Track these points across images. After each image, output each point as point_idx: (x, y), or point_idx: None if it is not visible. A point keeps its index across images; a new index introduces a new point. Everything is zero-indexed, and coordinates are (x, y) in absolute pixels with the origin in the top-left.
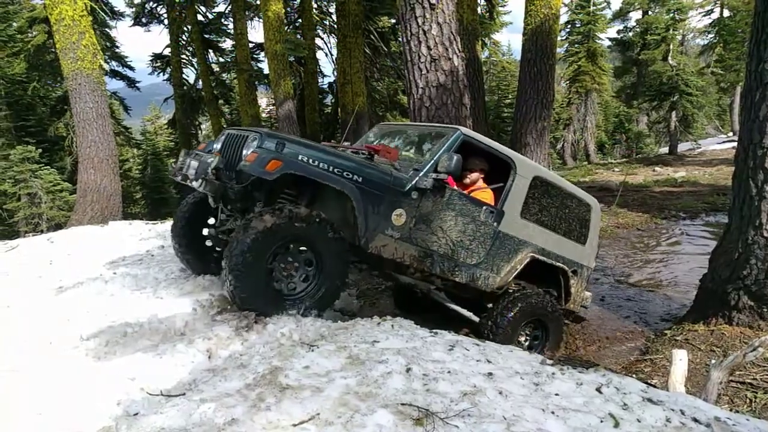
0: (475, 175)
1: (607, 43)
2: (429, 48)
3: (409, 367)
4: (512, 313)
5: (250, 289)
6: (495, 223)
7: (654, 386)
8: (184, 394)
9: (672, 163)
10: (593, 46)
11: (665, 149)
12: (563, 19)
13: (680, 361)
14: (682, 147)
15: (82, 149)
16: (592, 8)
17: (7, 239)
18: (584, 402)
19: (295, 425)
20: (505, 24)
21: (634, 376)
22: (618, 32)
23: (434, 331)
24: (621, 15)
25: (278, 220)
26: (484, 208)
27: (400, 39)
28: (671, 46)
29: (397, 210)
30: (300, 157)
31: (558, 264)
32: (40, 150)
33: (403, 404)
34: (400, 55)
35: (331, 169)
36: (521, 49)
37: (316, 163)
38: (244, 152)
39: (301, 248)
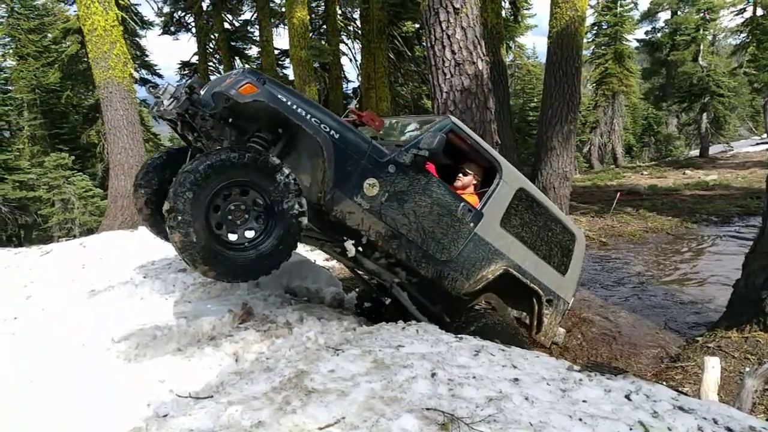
0: (467, 179)
1: (635, 44)
2: (453, 52)
3: (434, 372)
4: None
5: (190, 232)
6: (472, 224)
7: (685, 394)
8: (211, 396)
9: (703, 165)
10: (620, 47)
11: (696, 152)
12: (589, 20)
13: (713, 368)
14: (714, 149)
15: (113, 156)
16: (619, 10)
17: (41, 244)
18: (613, 409)
19: (320, 429)
20: (530, 27)
21: (664, 383)
22: (646, 33)
23: (459, 336)
24: (649, 16)
25: (230, 158)
26: (462, 204)
27: (424, 43)
28: (701, 47)
29: (370, 179)
30: (279, 96)
31: (533, 286)
32: (73, 157)
33: (428, 409)
34: (424, 59)
35: (308, 116)
36: (546, 52)
37: (295, 107)
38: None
39: (254, 195)
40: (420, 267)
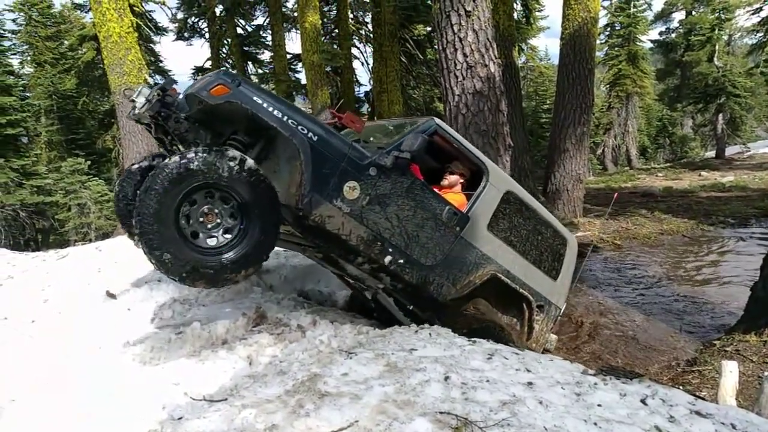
0: (453, 178)
1: (649, 45)
2: (465, 55)
3: (447, 376)
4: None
5: (159, 237)
6: (457, 228)
7: (702, 399)
8: (226, 399)
9: (719, 167)
10: (634, 48)
11: (712, 153)
12: (602, 22)
13: (730, 372)
14: (730, 150)
15: (127, 161)
16: (632, 10)
17: (58, 248)
18: (628, 414)
19: None
20: (543, 29)
21: (681, 387)
22: (660, 34)
23: (472, 339)
24: (663, 16)
25: (200, 161)
26: (448, 208)
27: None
28: (717, 47)
29: (350, 182)
30: (254, 97)
31: (522, 291)
32: (89, 162)
33: (441, 413)
34: (436, 62)
35: (284, 117)
36: (559, 53)
37: (271, 108)
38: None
39: (225, 197)
40: (404, 272)
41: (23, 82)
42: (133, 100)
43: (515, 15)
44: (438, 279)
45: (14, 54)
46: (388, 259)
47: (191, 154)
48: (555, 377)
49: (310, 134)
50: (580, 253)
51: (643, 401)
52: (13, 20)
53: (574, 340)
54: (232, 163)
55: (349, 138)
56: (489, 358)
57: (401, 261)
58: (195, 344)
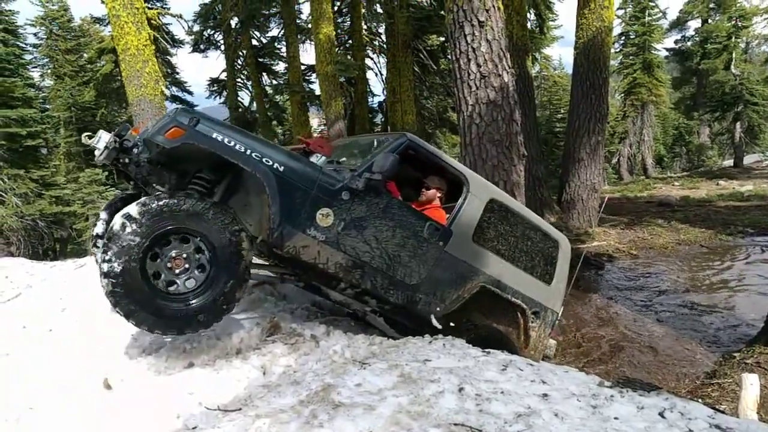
0: (431, 193)
1: (664, 53)
2: (478, 65)
3: (461, 387)
4: None
5: (124, 287)
6: (440, 243)
7: (722, 412)
8: (240, 409)
9: (737, 176)
10: (649, 57)
11: (729, 162)
12: (616, 30)
13: (751, 385)
14: (749, 159)
15: None
16: (647, 19)
17: (76, 257)
18: (645, 427)
19: None
20: (556, 38)
21: (700, 400)
22: (675, 42)
23: (486, 350)
24: (679, 24)
25: (159, 207)
26: (428, 224)
27: (449, 57)
28: (734, 55)
29: (323, 209)
30: (214, 135)
31: (515, 300)
32: (106, 173)
33: (455, 424)
34: (450, 72)
35: (247, 151)
36: (573, 63)
37: (232, 143)
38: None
39: (191, 241)
40: (388, 294)
41: (43, 94)
42: (95, 147)
43: (529, 25)
44: (425, 297)
45: (35, 67)
46: (370, 283)
47: (150, 201)
48: (570, 389)
49: (276, 165)
50: (596, 263)
51: (661, 414)
52: (35, 34)
53: (589, 351)
54: (191, 207)
55: (322, 161)
56: (503, 369)
57: (384, 283)
58: (210, 354)
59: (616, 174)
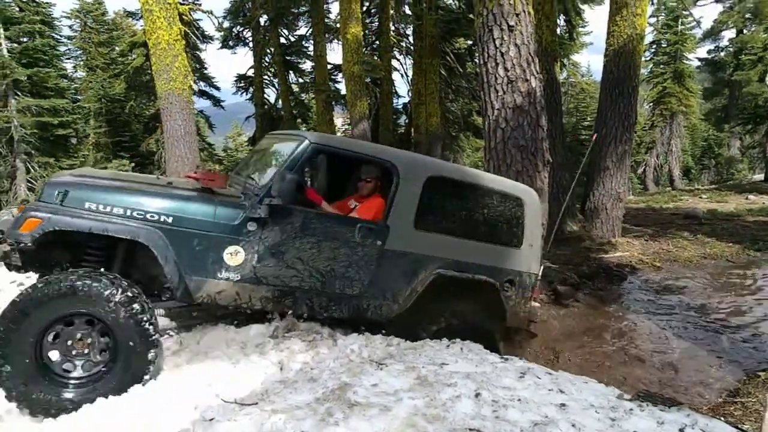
0: (371, 184)
1: (696, 63)
2: (506, 69)
3: (478, 392)
4: None
5: (16, 374)
6: (378, 242)
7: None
8: (256, 403)
9: None
10: (680, 66)
11: (760, 176)
12: (648, 39)
13: None
14: None
15: (170, 164)
16: (680, 28)
17: None
18: None
19: None
20: (585, 45)
21: (722, 419)
22: (708, 52)
23: (504, 357)
24: (712, 34)
25: (39, 294)
26: (359, 226)
27: (476, 60)
28: None
29: (230, 248)
30: (86, 205)
31: (479, 278)
32: (133, 164)
33: (471, 429)
34: (476, 76)
35: (129, 212)
36: (602, 70)
37: (109, 208)
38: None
39: (87, 321)
40: (331, 311)
41: (75, 85)
42: None
43: (558, 30)
44: (374, 302)
45: (69, 58)
46: (305, 306)
47: (41, 285)
48: (589, 400)
49: (163, 218)
50: (618, 274)
51: (681, 430)
52: (70, 26)
53: (606, 363)
54: (64, 290)
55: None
56: (521, 376)
57: (322, 302)
58: (228, 347)
59: (641, 184)
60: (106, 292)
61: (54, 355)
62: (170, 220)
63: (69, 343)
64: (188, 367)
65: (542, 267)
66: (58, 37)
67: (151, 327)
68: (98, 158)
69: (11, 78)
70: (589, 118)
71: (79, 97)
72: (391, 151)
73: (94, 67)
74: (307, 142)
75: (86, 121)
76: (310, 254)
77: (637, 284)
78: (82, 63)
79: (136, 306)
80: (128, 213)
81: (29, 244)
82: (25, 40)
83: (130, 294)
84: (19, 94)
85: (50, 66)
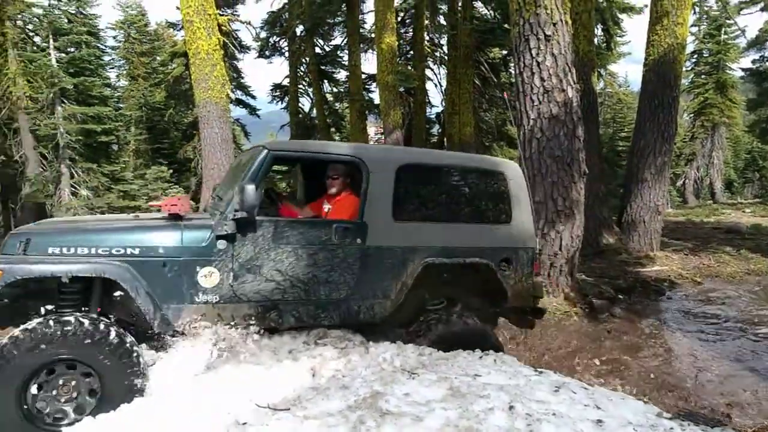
0: (338, 182)
1: (740, 73)
2: (542, 79)
3: (511, 405)
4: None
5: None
6: (358, 240)
7: None
8: (289, 409)
9: None
10: (723, 76)
11: None
12: (689, 48)
13: None
14: None
15: (206, 171)
16: (723, 37)
17: None
18: None
19: None
20: (623, 54)
21: None
22: (753, 62)
23: (539, 369)
24: (757, 44)
25: (16, 344)
26: (335, 226)
27: (512, 70)
28: None
29: (203, 270)
30: (50, 250)
31: (471, 260)
32: (171, 170)
33: None
34: (511, 85)
35: (93, 251)
36: (641, 80)
37: (73, 249)
38: None
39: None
40: (320, 319)
41: (118, 94)
42: None
43: (596, 40)
44: (363, 303)
45: (112, 68)
46: (293, 318)
47: (21, 333)
48: (627, 417)
49: (129, 250)
50: (656, 289)
51: None
52: (114, 37)
53: (641, 380)
54: (69, 330)
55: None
56: (556, 390)
57: (310, 310)
58: (261, 351)
59: (680, 197)
60: (87, 334)
61: (42, 405)
62: (136, 251)
63: (54, 392)
64: (222, 372)
65: (538, 240)
66: (103, 48)
67: (135, 358)
68: (138, 165)
69: (59, 86)
70: (626, 129)
71: (121, 105)
72: (357, 146)
73: (136, 77)
74: (265, 151)
75: (127, 129)
76: (288, 264)
77: (676, 299)
78: (124, 72)
79: (115, 341)
80: (93, 251)
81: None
82: (72, 50)
83: (110, 332)
84: (66, 102)
85: (95, 75)
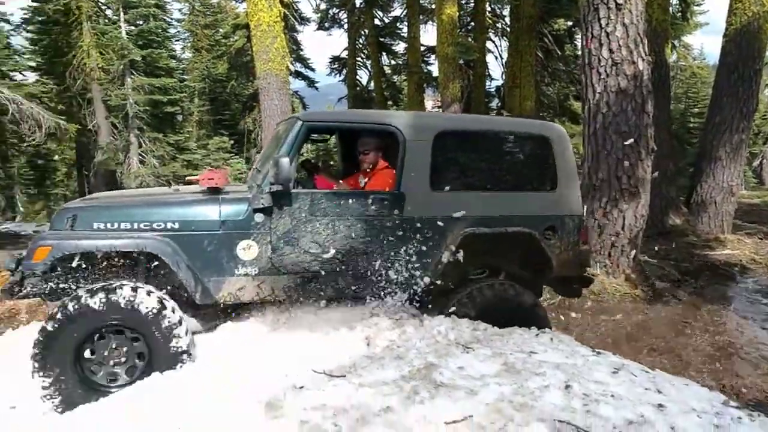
0: (371, 156)
1: None
2: (611, 51)
3: (568, 384)
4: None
5: (55, 383)
6: (395, 211)
7: None
8: (344, 376)
9: None
10: None
11: None
12: None
13: None
14: None
15: (265, 142)
16: None
17: None
18: None
19: (447, 423)
20: (700, 25)
21: None
22: None
23: (597, 351)
24: None
25: (68, 313)
26: (372, 197)
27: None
28: None
29: (242, 242)
30: (95, 225)
31: (514, 230)
32: (232, 141)
33: (560, 421)
34: (575, 58)
35: (135, 225)
36: (720, 51)
37: (116, 225)
38: None
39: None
40: (361, 291)
41: (183, 65)
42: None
43: (671, 9)
44: (405, 276)
45: (177, 40)
46: (332, 289)
47: (72, 302)
48: (690, 403)
49: (170, 224)
50: (725, 273)
51: None
52: (179, 10)
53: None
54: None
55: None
56: (615, 372)
57: (349, 282)
58: (318, 319)
59: (756, 178)
60: (131, 300)
61: (96, 368)
62: (176, 225)
63: (105, 354)
64: (280, 337)
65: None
66: (169, 20)
67: (179, 323)
68: (200, 135)
69: (129, 58)
70: (699, 105)
71: (185, 77)
72: (392, 114)
73: (199, 49)
74: (299, 123)
75: (191, 100)
76: (325, 236)
77: (747, 285)
78: (189, 44)
79: (157, 307)
80: (135, 226)
81: (39, 273)
82: (140, 23)
83: (152, 299)
84: (135, 73)
85: (162, 47)
